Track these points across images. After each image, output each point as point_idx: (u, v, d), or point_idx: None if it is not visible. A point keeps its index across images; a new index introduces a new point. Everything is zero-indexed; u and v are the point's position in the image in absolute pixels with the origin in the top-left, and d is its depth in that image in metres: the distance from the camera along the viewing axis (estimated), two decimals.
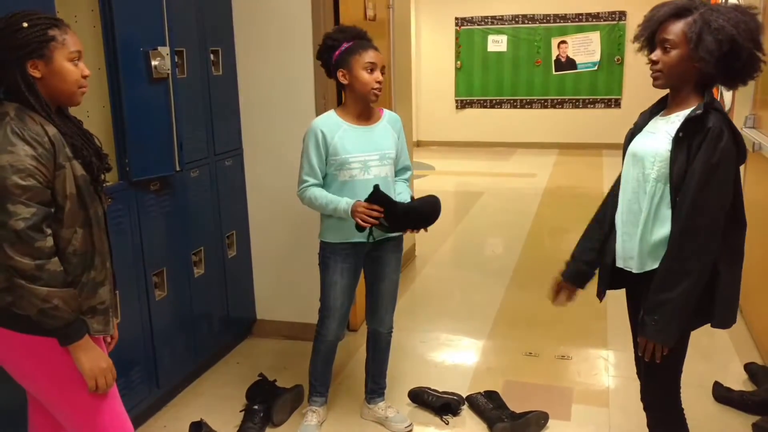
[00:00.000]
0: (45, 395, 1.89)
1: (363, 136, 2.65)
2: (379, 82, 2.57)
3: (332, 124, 2.63)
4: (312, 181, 2.63)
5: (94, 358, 1.82)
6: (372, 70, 2.56)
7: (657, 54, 1.94)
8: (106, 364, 1.85)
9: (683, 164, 1.88)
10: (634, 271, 2.06)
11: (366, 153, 2.62)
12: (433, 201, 2.67)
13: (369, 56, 2.56)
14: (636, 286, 2.09)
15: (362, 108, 2.65)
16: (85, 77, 1.83)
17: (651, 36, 1.98)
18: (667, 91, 2.04)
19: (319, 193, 2.61)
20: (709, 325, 2.03)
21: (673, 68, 1.92)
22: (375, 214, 2.51)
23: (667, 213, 1.95)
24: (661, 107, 2.09)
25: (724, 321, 2.00)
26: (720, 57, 1.83)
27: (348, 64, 2.56)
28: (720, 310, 1.97)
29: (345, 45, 2.59)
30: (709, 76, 1.91)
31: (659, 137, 1.98)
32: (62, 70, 1.77)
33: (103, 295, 1.88)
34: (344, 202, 2.56)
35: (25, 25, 1.71)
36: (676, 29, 1.89)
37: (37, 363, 1.82)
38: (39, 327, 1.75)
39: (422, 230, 2.67)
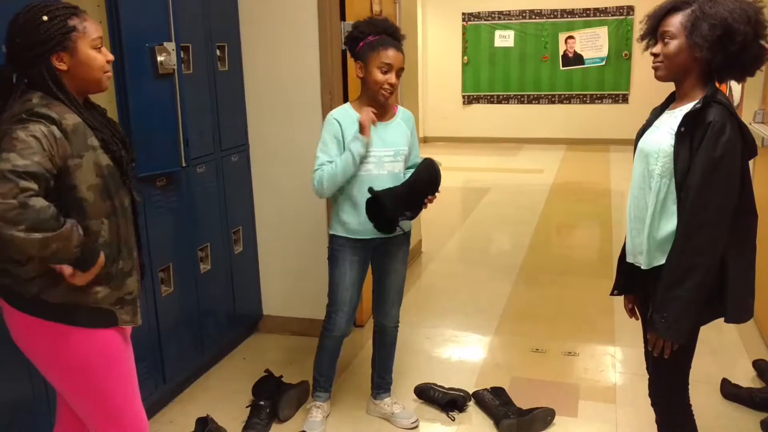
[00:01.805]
0: (66, 384, 1.87)
1: (378, 132, 2.65)
2: (390, 84, 2.56)
3: (349, 117, 2.64)
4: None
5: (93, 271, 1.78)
6: (386, 71, 2.55)
7: (658, 47, 1.97)
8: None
9: (686, 159, 1.88)
10: (642, 267, 2.05)
11: (381, 149, 2.63)
12: (428, 163, 2.64)
13: (386, 56, 2.54)
14: (645, 281, 2.08)
15: (376, 104, 2.65)
16: (109, 62, 1.82)
17: (654, 32, 2.00)
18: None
19: (331, 165, 2.58)
20: (719, 320, 2.01)
21: (673, 59, 1.93)
22: (372, 115, 2.56)
23: (673, 208, 1.94)
24: (670, 103, 2.09)
25: (737, 315, 1.98)
26: (714, 42, 1.84)
27: (365, 59, 2.56)
28: (732, 304, 1.95)
29: (370, 38, 2.57)
30: (710, 65, 1.91)
31: (663, 132, 1.98)
32: (88, 59, 1.76)
33: (130, 286, 1.88)
34: (350, 145, 2.54)
35: (45, 18, 1.69)
36: (674, 21, 1.92)
37: (60, 352, 1.80)
38: (67, 316, 1.75)
39: (436, 196, 2.64)
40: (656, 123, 2.06)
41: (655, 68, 1.99)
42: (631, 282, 2.20)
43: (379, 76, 2.55)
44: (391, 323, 2.95)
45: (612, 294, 2.30)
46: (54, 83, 1.72)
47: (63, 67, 1.74)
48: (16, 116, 1.66)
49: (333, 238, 2.77)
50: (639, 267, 2.09)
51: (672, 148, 1.92)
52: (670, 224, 1.95)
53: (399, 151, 2.68)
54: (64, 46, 1.72)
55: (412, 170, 2.81)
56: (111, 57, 1.83)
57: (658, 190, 1.96)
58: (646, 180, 2.01)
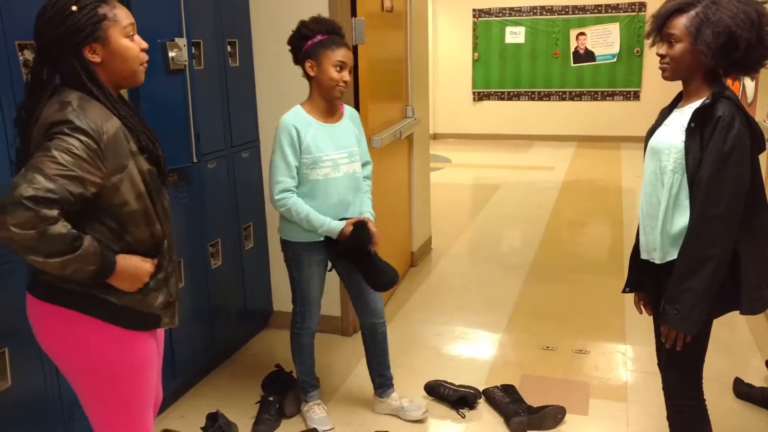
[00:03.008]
0: (87, 384, 1.81)
1: (332, 135, 2.68)
2: (345, 82, 2.61)
3: (303, 121, 2.64)
4: (290, 183, 2.62)
5: (131, 279, 1.73)
6: (341, 69, 2.59)
7: (664, 48, 2.00)
8: (141, 269, 1.75)
9: (697, 154, 1.92)
10: (656, 261, 2.07)
11: (336, 151, 2.66)
12: (392, 276, 2.72)
13: (340, 54, 2.58)
14: (659, 276, 2.09)
15: (327, 104, 2.68)
16: (143, 50, 1.74)
17: (660, 31, 2.03)
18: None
19: (303, 207, 2.61)
20: (732, 319, 2.01)
21: (679, 61, 1.97)
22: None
23: (686, 203, 1.97)
24: (677, 102, 2.13)
25: (752, 307, 1.99)
26: (718, 49, 1.87)
27: (318, 57, 2.58)
28: (746, 295, 1.97)
29: (319, 37, 2.59)
30: (715, 66, 1.94)
31: (673, 129, 2.02)
32: (121, 48, 1.67)
33: (172, 288, 1.85)
34: (332, 223, 2.62)
35: (74, 8, 1.60)
36: (679, 24, 1.94)
37: (92, 351, 1.75)
38: (111, 316, 1.71)
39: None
40: (666, 121, 2.09)
41: (662, 69, 2.03)
42: (643, 279, 2.22)
43: (334, 74, 2.58)
44: (380, 319, 2.94)
45: (624, 291, 2.30)
46: (88, 78, 1.64)
47: (96, 59, 1.65)
48: (54, 125, 1.57)
49: (293, 244, 2.75)
50: (652, 263, 2.10)
51: (683, 144, 1.95)
52: (683, 219, 1.98)
53: (352, 152, 2.72)
54: (95, 37, 1.63)
55: (365, 170, 2.84)
56: (145, 44, 1.74)
57: (670, 185, 1.99)
58: (658, 176, 2.04)
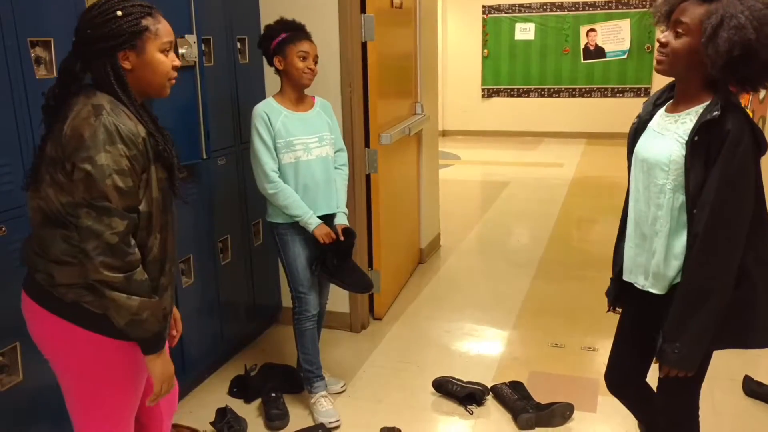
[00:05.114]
0: (74, 386, 1.83)
1: (302, 121, 2.85)
2: (310, 69, 2.81)
3: (273, 109, 2.82)
4: (274, 164, 2.79)
5: (166, 363, 1.80)
6: (304, 58, 2.78)
7: (667, 35, 1.76)
8: (173, 370, 1.83)
9: (700, 173, 1.71)
10: (655, 291, 1.89)
11: (307, 136, 2.84)
12: (366, 284, 2.99)
13: (303, 46, 2.78)
14: (652, 302, 1.93)
15: (298, 94, 2.87)
16: (174, 68, 1.75)
17: (671, 12, 1.77)
18: None
19: (290, 194, 2.79)
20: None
21: (680, 57, 1.73)
22: (331, 239, 2.81)
23: (685, 220, 1.79)
24: (665, 96, 1.94)
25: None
26: (728, 62, 1.64)
27: (283, 52, 2.78)
28: (762, 323, 1.79)
29: (283, 35, 2.78)
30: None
31: (669, 141, 1.80)
32: (153, 61, 1.70)
33: (166, 301, 1.83)
34: (312, 218, 2.80)
35: (119, 13, 1.64)
36: (694, 14, 1.69)
37: (80, 355, 1.77)
38: (116, 331, 1.71)
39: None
40: (656, 127, 1.88)
41: (659, 60, 1.78)
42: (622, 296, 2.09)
43: (299, 63, 2.78)
44: (325, 300, 3.15)
45: (610, 311, 2.24)
46: (116, 81, 1.66)
47: (127, 65, 1.68)
48: (97, 136, 1.59)
49: (275, 226, 2.90)
50: (633, 284, 1.96)
51: (684, 159, 1.75)
52: (681, 239, 1.81)
53: (323, 137, 2.89)
54: (132, 45, 1.66)
55: (340, 159, 2.99)
56: (178, 63, 1.77)
57: (671, 207, 1.81)
58: (654, 194, 1.84)
